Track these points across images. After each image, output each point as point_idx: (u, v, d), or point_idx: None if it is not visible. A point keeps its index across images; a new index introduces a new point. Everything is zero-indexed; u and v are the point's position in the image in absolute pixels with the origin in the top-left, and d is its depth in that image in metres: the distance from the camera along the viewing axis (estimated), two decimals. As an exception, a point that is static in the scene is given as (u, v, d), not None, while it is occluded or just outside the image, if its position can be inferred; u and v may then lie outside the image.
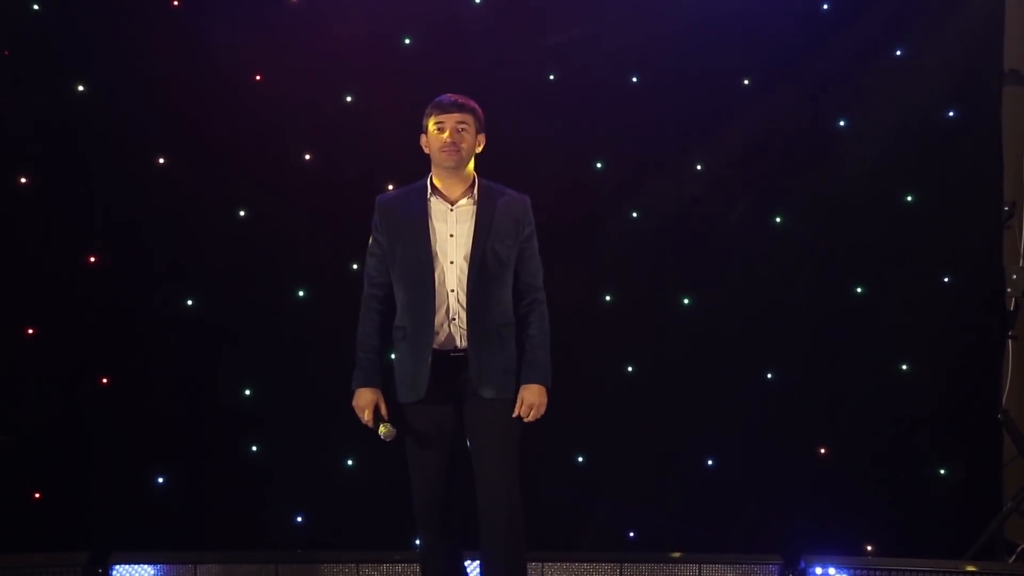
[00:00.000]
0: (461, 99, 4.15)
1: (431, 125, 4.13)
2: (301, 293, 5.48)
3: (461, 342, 4.11)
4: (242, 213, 5.49)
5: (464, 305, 4.10)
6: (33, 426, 5.39)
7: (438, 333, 4.11)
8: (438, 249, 4.11)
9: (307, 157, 5.51)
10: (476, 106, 4.17)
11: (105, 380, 5.45)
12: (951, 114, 5.50)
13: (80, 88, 5.42)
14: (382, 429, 4.12)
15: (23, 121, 5.39)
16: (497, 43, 5.48)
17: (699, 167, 5.53)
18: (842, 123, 5.51)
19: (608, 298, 5.55)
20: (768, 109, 5.48)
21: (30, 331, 5.42)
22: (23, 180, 5.41)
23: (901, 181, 5.51)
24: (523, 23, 5.52)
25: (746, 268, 5.51)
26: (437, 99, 4.16)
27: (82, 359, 5.43)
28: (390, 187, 5.41)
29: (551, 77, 5.52)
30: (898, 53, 5.50)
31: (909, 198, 5.50)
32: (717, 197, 5.50)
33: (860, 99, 5.50)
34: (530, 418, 4.15)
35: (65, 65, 5.39)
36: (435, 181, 4.18)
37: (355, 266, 5.42)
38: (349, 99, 5.50)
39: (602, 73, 5.50)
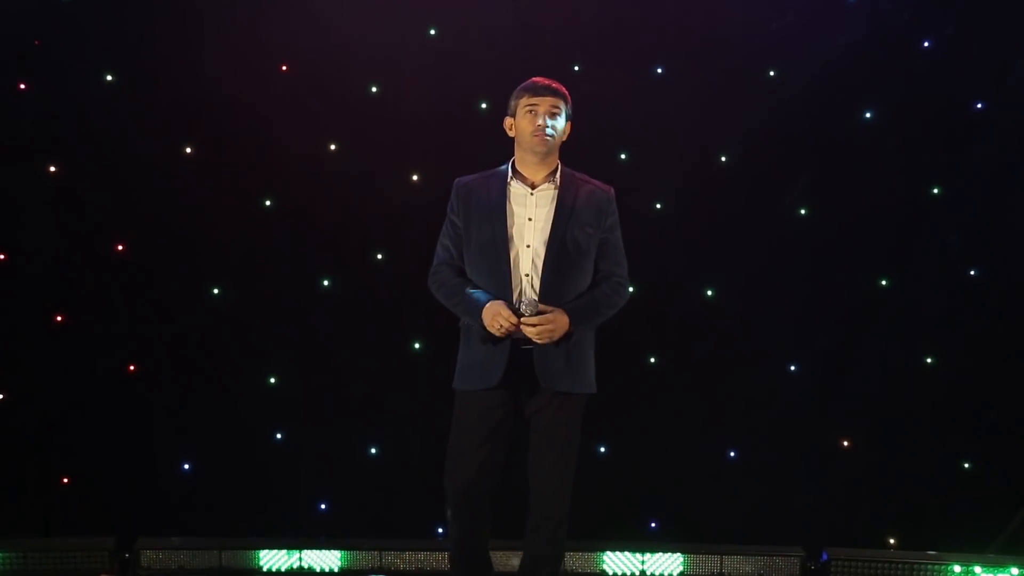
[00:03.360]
0: (555, 83, 3.98)
1: (521, 108, 3.95)
2: (326, 283, 5.51)
3: None
4: (268, 203, 5.53)
5: (537, 291, 3.90)
6: (61, 412, 5.46)
7: None
8: (514, 232, 3.93)
9: (332, 147, 5.54)
10: (567, 92, 4.01)
11: (132, 367, 5.51)
12: (978, 106, 5.46)
13: (108, 78, 5.47)
14: (525, 309, 3.82)
15: (52, 111, 5.45)
16: (520, 33, 5.49)
17: (723, 159, 5.52)
18: (868, 115, 5.49)
19: (631, 289, 5.53)
20: (793, 100, 5.47)
21: (58, 319, 5.49)
22: (52, 169, 5.47)
23: (927, 174, 5.48)
24: (547, 14, 5.52)
25: (769, 260, 5.49)
26: (529, 82, 3.99)
27: (109, 346, 5.49)
28: (415, 178, 5.45)
29: (576, 68, 5.52)
30: (925, 45, 5.46)
31: (935, 191, 5.47)
32: (741, 189, 5.49)
33: (886, 91, 5.47)
34: (537, 330, 3.82)
35: (94, 55, 5.45)
36: (518, 165, 4.02)
37: (380, 256, 5.46)
38: (374, 90, 5.53)
39: (626, 64, 5.50)
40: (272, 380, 5.55)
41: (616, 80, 5.49)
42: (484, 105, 5.44)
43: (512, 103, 4.01)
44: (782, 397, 5.50)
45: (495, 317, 3.84)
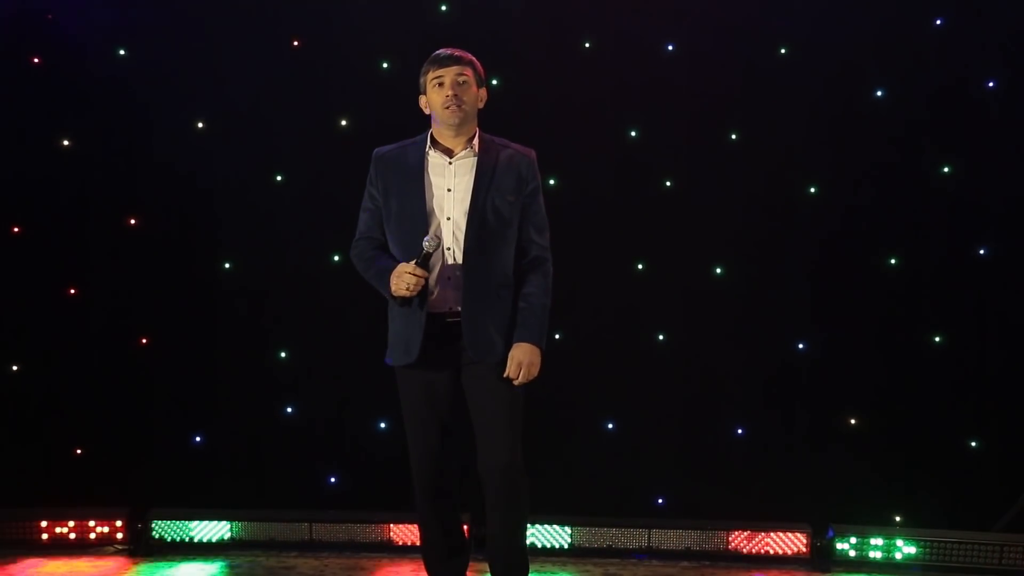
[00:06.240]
0: (458, 52, 3.93)
1: (430, 83, 3.92)
2: (336, 258, 5.53)
3: (456, 304, 3.88)
4: (279, 178, 5.55)
5: (461, 264, 3.87)
6: (74, 384, 5.52)
7: (432, 293, 3.87)
8: (434, 204, 3.89)
9: (343, 123, 5.55)
10: (474, 58, 3.97)
11: (144, 340, 5.55)
12: (990, 84, 5.44)
13: (121, 52, 5.50)
14: (428, 245, 3.79)
15: (65, 85, 5.47)
16: (534, 10, 5.48)
17: (733, 136, 5.52)
18: (879, 93, 5.47)
19: (640, 266, 5.56)
20: (805, 78, 5.45)
21: (72, 291, 5.53)
22: (65, 143, 5.51)
23: (937, 152, 5.46)
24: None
25: (779, 238, 5.49)
26: (433, 55, 3.96)
27: (122, 319, 5.54)
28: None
29: (587, 45, 5.52)
30: (938, 23, 5.44)
31: (945, 169, 5.46)
32: (751, 167, 5.48)
33: (898, 69, 5.44)
34: (520, 379, 3.87)
35: (106, 30, 5.47)
36: (436, 137, 3.98)
37: (390, 231, 5.47)
38: (385, 65, 5.54)
39: (638, 41, 5.49)
40: (283, 354, 5.59)
41: (627, 57, 5.47)
42: (495, 82, 5.44)
43: (421, 80, 3.99)
44: (790, 374, 5.51)
45: (398, 278, 3.81)
